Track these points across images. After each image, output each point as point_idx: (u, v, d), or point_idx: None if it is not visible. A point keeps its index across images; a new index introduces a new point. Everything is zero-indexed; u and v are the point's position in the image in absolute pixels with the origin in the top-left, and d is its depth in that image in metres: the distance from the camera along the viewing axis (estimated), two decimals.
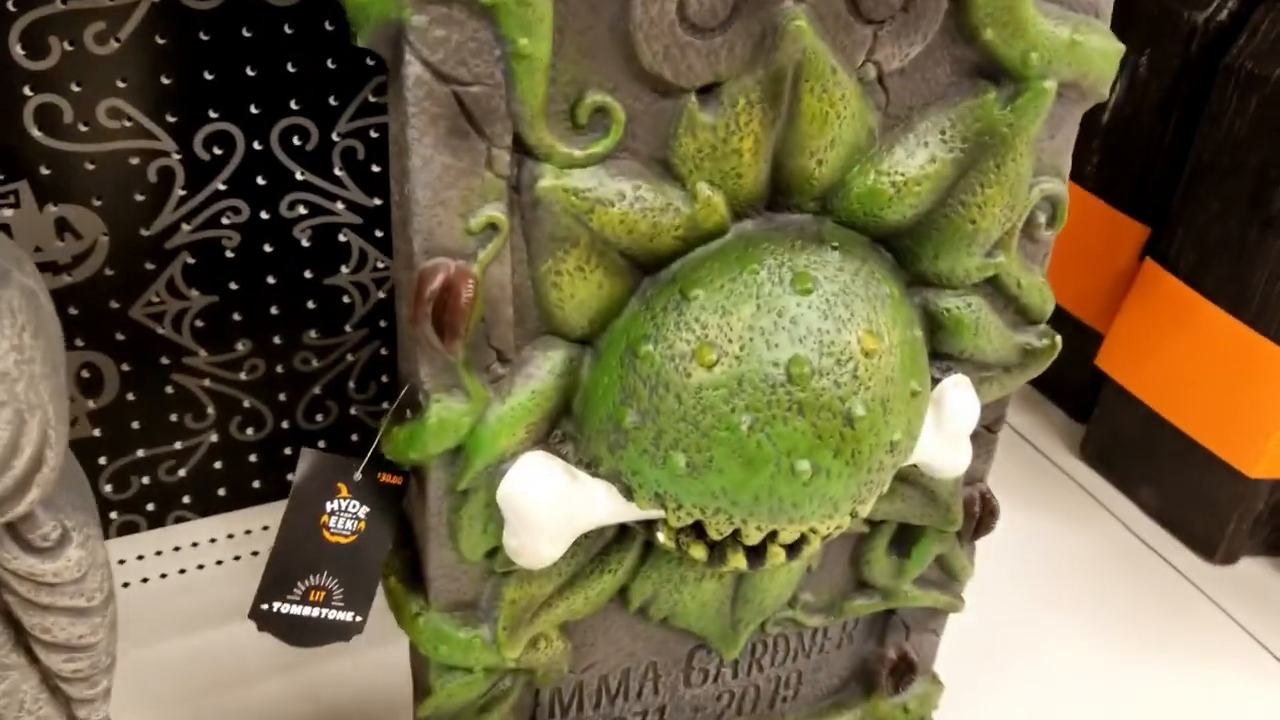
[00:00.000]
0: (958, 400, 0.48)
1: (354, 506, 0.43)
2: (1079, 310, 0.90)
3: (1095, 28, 0.43)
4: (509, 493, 0.43)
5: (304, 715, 0.66)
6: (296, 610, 0.43)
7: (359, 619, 0.44)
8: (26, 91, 0.64)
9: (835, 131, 0.41)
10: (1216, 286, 0.77)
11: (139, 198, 0.70)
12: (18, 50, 0.62)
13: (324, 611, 0.43)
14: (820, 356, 0.41)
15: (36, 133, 0.65)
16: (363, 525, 0.43)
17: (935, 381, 0.48)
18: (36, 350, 0.34)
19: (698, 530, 0.45)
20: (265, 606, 0.42)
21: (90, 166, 0.68)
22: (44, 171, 0.66)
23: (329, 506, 0.43)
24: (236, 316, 0.76)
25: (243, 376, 0.79)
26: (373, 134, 0.74)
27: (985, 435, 0.52)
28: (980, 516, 0.55)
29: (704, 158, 0.40)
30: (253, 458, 0.82)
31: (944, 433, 0.48)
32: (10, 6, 0.61)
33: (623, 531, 0.47)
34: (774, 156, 0.42)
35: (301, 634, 0.43)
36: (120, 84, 0.66)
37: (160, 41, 0.65)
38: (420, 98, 0.36)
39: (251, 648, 0.66)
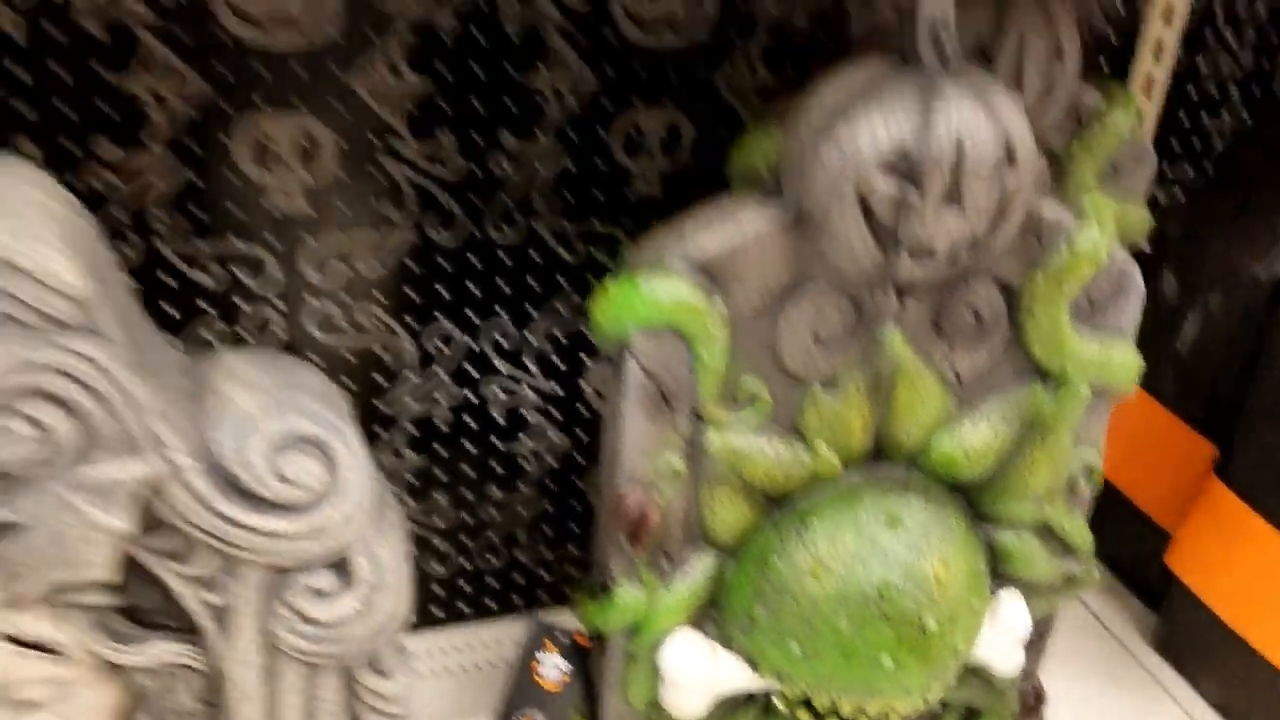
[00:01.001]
0: (1011, 612, 0.62)
1: (559, 661, 0.59)
2: (1151, 510, 1.02)
3: (1119, 344, 0.58)
4: (667, 660, 0.58)
5: None
6: None
7: None
8: (308, 299, 0.84)
9: (920, 413, 0.57)
10: (1277, 511, 0.88)
11: (380, 379, 0.89)
12: (310, 272, 0.83)
13: None
14: (904, 580, 0.56)
15: (316, 332, 0.85)
16: (566, 675, 0.59)
17: (994, 594, 0.62)
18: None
19: (806, 701, 0.60)
20: None
21: (350, 358, 0.87)
22: (312, 357, 0.86)
23: (540, 658, 0.59)
24: (440, 475, 0.95)
25: (437, 523, 0.97)
26: (559, 338, 0.93)
27: (1037, 640, 0.66)
28: (1033, 705, 0.68)
29: (823, 427, 0.56)
30: (440, 588, 0.99)
31: (999, 637, 0.62)
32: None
33: (750, 696, 0.62)
34: (875, 427, 0.57)
35: None
36: (380, 297, 0.86)
37: (409, 267, 0.85)
38: (634, 385, 0.53)
39: None
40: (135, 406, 0.41)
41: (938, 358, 0.57)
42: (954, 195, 0.49)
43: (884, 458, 0.59)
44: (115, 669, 0.45)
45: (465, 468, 0.96)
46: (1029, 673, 0.68)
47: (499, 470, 0.97)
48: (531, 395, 0.95)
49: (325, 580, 0.45)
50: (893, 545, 0.56)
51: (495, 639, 1.01)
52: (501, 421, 0.95)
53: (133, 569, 0.44)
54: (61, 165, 0.75)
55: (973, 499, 0.61)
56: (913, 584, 0.56)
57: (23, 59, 0.73)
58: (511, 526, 1.00)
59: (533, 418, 0.95)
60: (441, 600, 1.00)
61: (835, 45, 0.86)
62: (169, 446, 0.42)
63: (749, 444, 0.56)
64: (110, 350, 0.40)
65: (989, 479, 0.60)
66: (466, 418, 0.94)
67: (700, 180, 0.90)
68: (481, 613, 1.02)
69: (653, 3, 0.82)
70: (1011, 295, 0.56)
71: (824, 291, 0.53)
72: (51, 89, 0.74)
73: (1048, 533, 0.62)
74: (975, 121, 0.48)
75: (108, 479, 0.41)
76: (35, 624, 0.43)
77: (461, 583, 1.01)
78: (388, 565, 0.46)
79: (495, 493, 0.98)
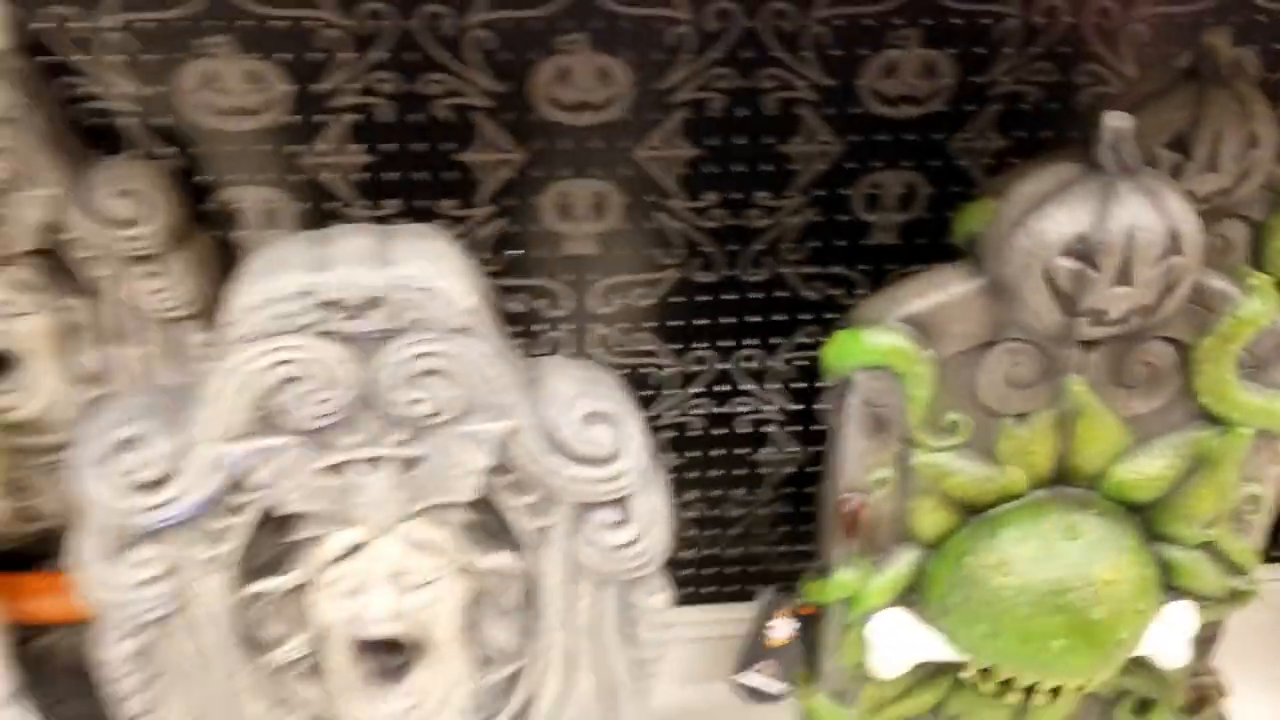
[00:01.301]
0: (1178, 619, 0.73)
1: (787, 625, 0.75)
2: None
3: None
4: (874, 631, 0.72)
5: None
6: (752, 682, 0.75)
7: (783, 694, 0.76)
8: (592, 325, 1.02)
9: (1100, 446, 0.69)
10: None
11: (645, 393, 1.07)
12: (594, 303, 1.01)
13: (767, 685, 0.75)
14: (1076, 578, 0.68)
15: (597, 352, 1.04)
16: (792, 636, 0.75)
17: (1165, 601, 0.73)
18: None
19: (990, 673, 0.73)
20: (739, 679, 0.75)
21: (620, 372, 1.05)
22: None
23: (773, 623, 0.75)
24: (691, 475, 1.12)
25: (688, 514, 1.14)
26: (799, 364, 1.08)
27: (1204, 643, 0.76)
28: (1203, 699, 0.78)
29: (1014, 453, 0.69)
30: (686, 571, 1.16)
31: (1166, 636, 0.73)
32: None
33: (943, 666, 0.76)
34: (1059, 455, 0.70)
35: (751, 696, 0.75)
36: (649, 324, 1.03)
37: (674, 301, 1.03)
38: (855, 412, 0.68)
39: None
40: (498, 385, 0.59)
41: (1116, 402, 0.68)
42: (1125, 276, 0.61)
43: (1067, 480, 0.71)
44: (469, 569, 0.64)
45: (713, 472, 1.13)
46: (1200, 671, 0.78)
47: (742, 475, 1.13)
48: (773, 412, 1.10)
49: (612, 515, 0.62)
50: (1069, 552, 0.68)
51: (731, 619, 1.17)
52: (746, 433, 1.11)
53: (485, 499, 0.62)
54: (415, 217, 0.97)
55: (1146, 519, 0.72)
56: (1084, 584, 0.68)
57: (391, 137, 0.94)
58: (751, 524, 1.16)
59: (773, 432, 1.11)
60: (688, 582, 1.18)
61: (1062, 114, 0.98)
62: (517, 414, 0.60)
63: (950, 464, 0.69)
64: (486, 347, 0.58)
65: (1161, 503, 0.71)
66: (716, 429, 1.10)
67: (933, 232, 1.03)
68: (720, 596, 1.19)
69: (894, 80, 0.96)
70: (1182, 351, 0.67)
71: (1017, 344, 0.66)
72: (410, 161, 0.95)
73: (1215, 552, 0.72)
74: (1146, 218, 0.60)
75: (479, 432, 0.60)
76: (422, 530, 0.62)
77: (706, 569, 1.18)
78: (656, 508, 0.63)
79: (738, 494, 1.14)
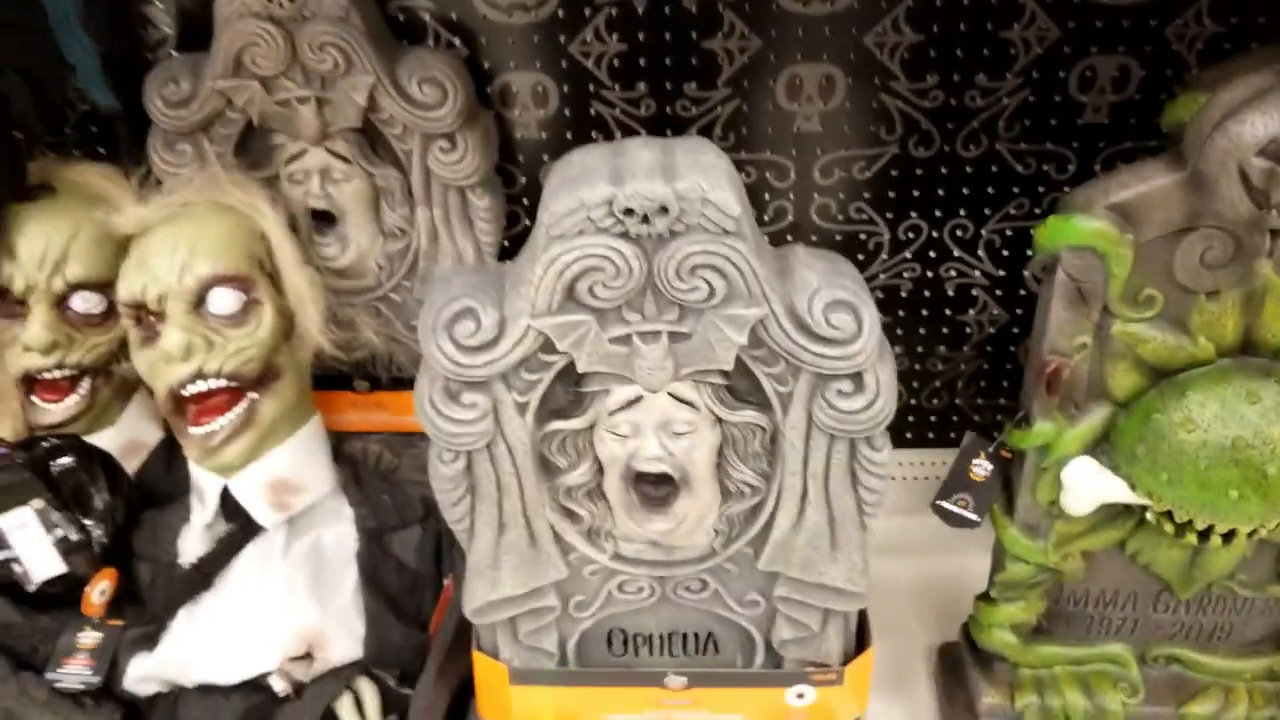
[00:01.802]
0: None
1: (987, 464, 0.87)
2: None
3: None
4: (1069, 474, 0.84)
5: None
6: (952, 508, 0.88)
7: (979, 520, 0.89)
8: (815, 195, 1.14)
9: None
10: None
11: (860, 256, 1.18)
12: (818, 176, 1.13)
13: (965, 513, 0.88)
14: (1253, 437, 0.78)
15: (817, 219, 1.15)
16: (989, 474, 0.87)
17: None
18: None
19: (1170, 515, 0.83)
20: (940, 502, 0.88)
21: (838, 238, 1.17)
22: (812, 238, 1.16)
23: (974, 462, 0.87)
24: (899, 331, 1.23)
25: (898, 368, 1.26)
26: (1007, 233, 1.17)
27: None
28: None
29: (1204, 325, 0.78)
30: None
31: None
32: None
33: (1128, 508, 0.87)
34: (1246, 328, 0.79)
35: (951, 520, 0.89)
36: (867, 195, 1.14)
37: (891, 174, 1.13)
38: (1061, 285, 0.78)
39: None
40: (756, 277, 0.72)
41: None
42: None
43: (1251, 352, 0.79)
44: (721, 421, 0.79)
45: (922, 331, 1.24)
46: None
47: (948, 334, 1.24)
48: (980, 277, 1.20)
49: (847, 385, 0.75)
50: (1249, 413, 0.77)
51: (932, 462, 1.30)
52: (953, 296, 1.21)
53: (738, 365, 0.76)
54: (658, 99, 1.09)
55: None
56: (1261, 443, 0.77)
57: (644, 28, 1.06)
58: (954, 378, 1.27)
59: (979, 295, 1.21)
60: (895, 429, 1.30)
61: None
62: (771, 300, 0.73)
63: (1145, 332, 0.79)
64: (747, 246, 0.71)
65: None
66: (926, 292, 1.21)
67: (1142, 114, 1.09)
68: (923, 442, 1.32)
69: None
70: None
71: (1212, 231, 0.75)
72: (660, 48, 1.07)
73: None
74: None
75: (738, 314, 0.73)
76: (685, 390, 0.77)
77: (911, 418, 1.30)
78: (885, 381, 0.75)
79: (943, 351, 1.25)
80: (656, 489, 0.80)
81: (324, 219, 1.08)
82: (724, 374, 0.77)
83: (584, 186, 0.69)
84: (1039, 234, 0.78)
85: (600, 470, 0.80)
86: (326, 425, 1.07)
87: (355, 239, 1.09)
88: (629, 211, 0.68)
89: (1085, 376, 0.82)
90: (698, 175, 0.69)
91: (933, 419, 1.30)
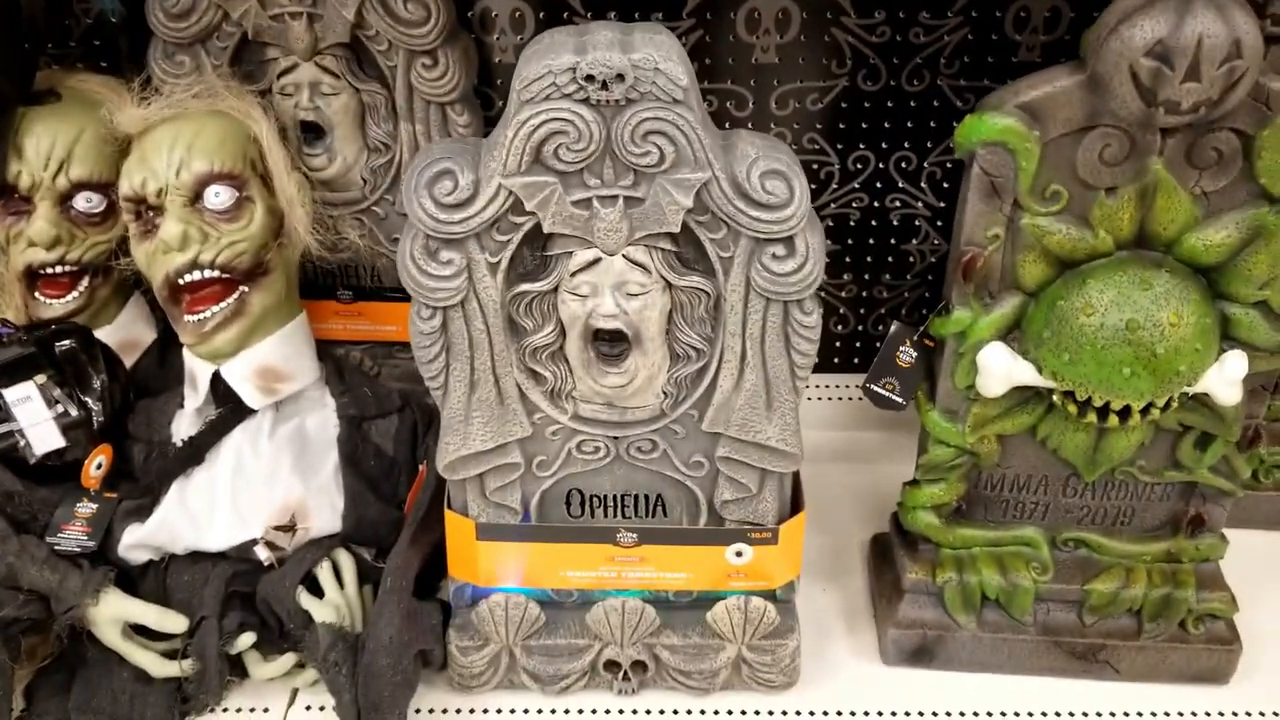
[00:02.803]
0: (1232, 363, 0.90)
1: (912, 351, 0.96)
2: None
3: None
4: (983, 357, 0.93)
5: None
6: (880, 390, 0.97)
7: (905, 403, 0.98)
8: (771, 125, 1.23)
9: (1174, 216, 0.87)
10: None
11: (811, 185, 1.27)
12: (773, 107, 1.21)
13: (892, 395, 0.97)
14: (1145, 320, 0.87)
15: None
16: (914, 361, 0.96)
17: (1224, 351, 0.91)
18: None
19: (1073, 396, 0.93)
20: (869, 385, 0.97)
21: None
22: None
23: (900, 349, 0.96)
24: (847, 259, 1.32)
25: (842, 294, 1.35)
26: (948, 165, 1.26)
27: (1260, 391, 0.94)
28: (1252, 438, 0.96)
29: (1103, 219, 0.88)
30: (839, 342, 1.38)
31: (1223, 379, 0.91)
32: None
33: (1038, 393, 0.96)
34: (1141, 222, 0.88)
35: (880, 402, 0.98)
36: (819, 126, 1.23)
37: (842, 107, 1.22)
38: (976, 180, 0.87)
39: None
40: (702, 144, 0.81)
41: (1189, 181, 0.86)
42: (1194, 74, 0.78)
43: (1145, 245, 0.89)
44: (670, 286, 0.87)
45: (869, 259, 1.33)
46: (1253, 416, 0.96)
47: (892, 263, 1.33)
48: (922, 208, 1.29)
49: (781, 249, 0.84)
50: (1141, 299, 0.87)
51: None
52: (897, 225, 1.30)
53: (685, 232, 0.85)
54: None
55: (1211, 280, 0.89)
56: (1151, 324, 0.86)
57: None
58: (899, 305, 1.36)
59: (921, 225, 1.30)
60: (840, 352, 1.40)
61: None
62: (714, 166, 0.82)
63: (1050, 225, 0.88)
64: (694, 115, 0.80)
65: (1223, 267, 0.88)
66: (872, 220, 1.30)
67: (1073, 53, 1.18)
68: (866, 365, 1.40)
69: None
70: (1245, 140, 0.84)
71: (1108, 129, 0.84)
72: None
73: (1267, 310, 0.90)
74: (1213, 27, 0.77)
75: (685, 178, 0.82)
76: (638, 254, 0.85)
77: (858, 344, 1.39)
78: (814, 246, 0.84)
79: (888, 279, 1.34)
80: (612, 346, 0.89)
81: (313, 131, 1.16)
82: (673, 239, 0.86)
83: (551, 56, 0.78)
84: (958, 133, 0.87)
85: (563, 333, 0.89)
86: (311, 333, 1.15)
87: (342, 151, 1.17)
88: (590, 78, 0.77)
89: (998, 267, 0.91)
90: (651, 49, 0.78)
91: (879, 345, 1.39)
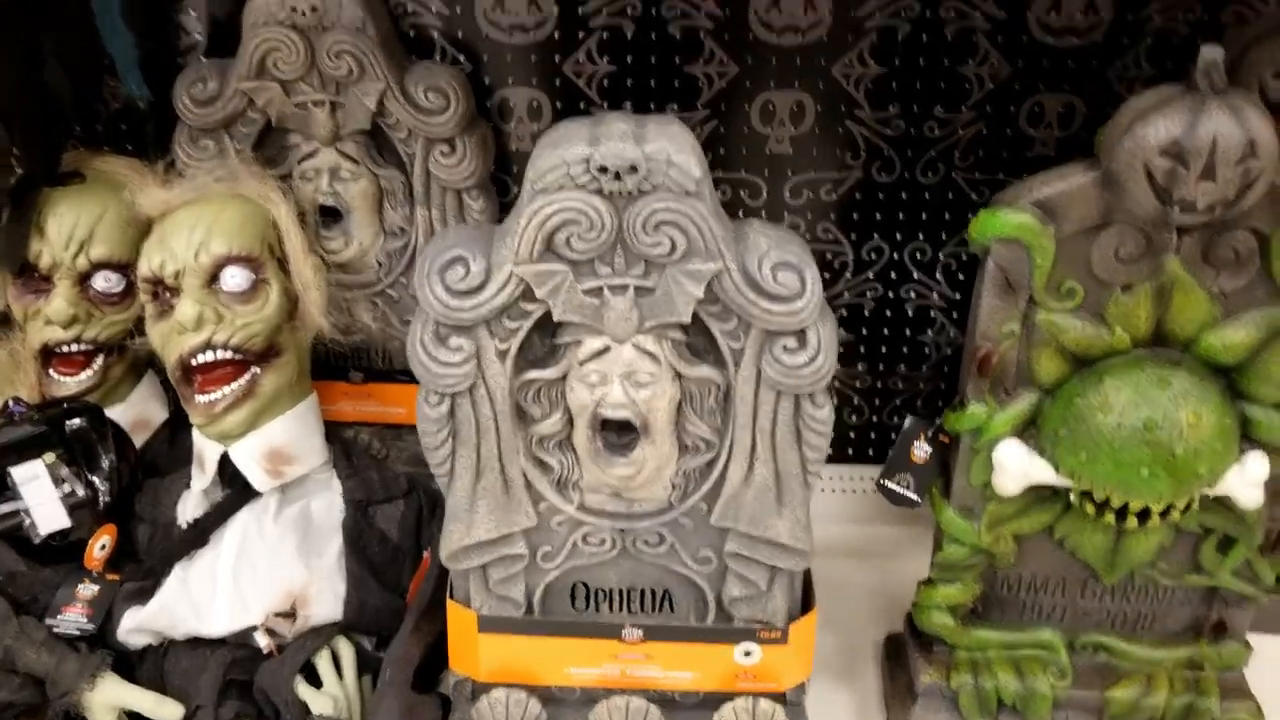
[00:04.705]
0: (1253, 465, 0.89)
1: (926, 447, 0.95)
2: None
3: None
4: (999, 454, 0.92)
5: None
6: (895, 487, 0.96)
7: (920, 500, 0.96)
8: (785, 215, 1.23)
9: (1192, 315, 0.86)
10: None
11: (825, 275, 1.27)
12: (788, 196, 1.22)
13: (906, 492, 0.96)
14: (1163, 419, 0.86)
15: None
16: (929, 457, 0.95)
17: (1245, 452, 0.89)
18: None
19: (1090, 496, 0.91)
20: (884, 481, 0.96)
21: None
22: None
23: (915, 444, 0.95)
24: (862, 350, 1.31)
25: (856, 385, 1.34)
26: (963, 257, 1.25)
27: (1278, 492, 0.92)
28: (1275, 541, 0.94)
29: (1120, 316, 0.87)
30: (853, 434, 1.37)
31: (1245, 481, 0.89)
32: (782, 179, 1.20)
33: (1055, 492, 0.94)
34: (1158, 320, 0.87)
35: (894, 499, 0.96)
36: (833, 216, 1.23)
37: (856, 197, 1.22)
38: (991, 275, 0.87)
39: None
40: (713, 236, 0.80)
41: (1207, 279, 0.85)
42: (1209, 173, 0.78)
43: (1163, 342, 0.88)
44: (679, 376, 0.86)
45: (884, 350, 1.32)
46: (1274, 518, 0.94)
47: (907, 354, 1.32)
48: (937, 299, 1.28)
49: (792, 341, 0.83)
50: (1160, 397, 0.85)
51: None
52: (912, 316, 1.30)
53: (696, 322, 0.84)
54: None
55: (1231, 380, 0.88)
56: (1169, 423, 0.85)
57: (631, 51, 1.16)
58: (914, 396, 1.35)
59: (937, 316, 1.29)
60: (855, 444, 1.38)
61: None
62: (725, 257, 0.81)
63: (1066, 321, 0.87)
64: (706, 207, 0.80)
65: (1243, 367, 0.87)
66: (887, 311, 1.30)
67: (1088, 148, 1.18)
68: (883, 458, 1.38)
69: (1059, 14, 1.12)
70: (1262, 240, 0.83)
71: (1124, 227, 0.83)
72: (646, 71, 1.17)
73: None
74: (1228, 128, 0.76)
75: (696, 269, 0.81)
76: (648, 342, 0.85)
77: (873, 435, 1.38)
78: (826, 339, 0.83)
79: (903, 370, 1.33)
80: (620, 436, 0.88)
81: (331, 215, 1.17)
82: (683, 330, 0.85)
83: (565, 147, 0.78)
84: (971, 227, 0.87)
85: (570, 422, 0.88)
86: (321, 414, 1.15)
87: (358, 235, 1.18)
88: (603, 169, 0.77)
89: (1014, 362, 0.90)
90: (665, 141, 0.78)
91: (893, 436, 1.37)
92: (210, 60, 1.14)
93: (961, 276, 1.27)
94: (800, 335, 0.83)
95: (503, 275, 0.81)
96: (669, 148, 0.78)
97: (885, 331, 1.31)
